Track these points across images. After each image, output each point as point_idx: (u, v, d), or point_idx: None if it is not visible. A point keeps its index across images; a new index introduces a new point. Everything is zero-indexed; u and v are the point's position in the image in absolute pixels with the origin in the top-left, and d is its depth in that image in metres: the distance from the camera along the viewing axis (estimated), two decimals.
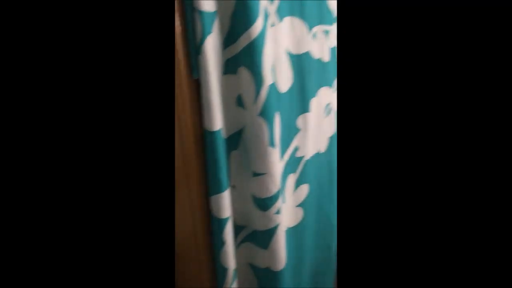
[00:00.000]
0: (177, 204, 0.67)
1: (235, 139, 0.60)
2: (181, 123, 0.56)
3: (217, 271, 0.65)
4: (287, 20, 0.62)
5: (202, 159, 0.60)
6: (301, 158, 0.76)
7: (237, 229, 0.70)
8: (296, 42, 0.65)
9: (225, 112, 0.57)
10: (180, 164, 0.60)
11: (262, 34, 0.52)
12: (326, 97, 0.78)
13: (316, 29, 0.69)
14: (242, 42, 0.51)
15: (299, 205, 0.81)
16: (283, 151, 0.70)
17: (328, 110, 0.81)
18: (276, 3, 0.57)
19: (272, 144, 0.59)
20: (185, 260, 0.73)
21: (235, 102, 0.57)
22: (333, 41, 0.76)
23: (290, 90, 0.67)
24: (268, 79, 0.55)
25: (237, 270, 0.71)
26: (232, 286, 0.68)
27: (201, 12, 0.46)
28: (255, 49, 0.52)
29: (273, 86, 0.58)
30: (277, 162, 0.62)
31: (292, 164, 0.74)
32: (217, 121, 0.53)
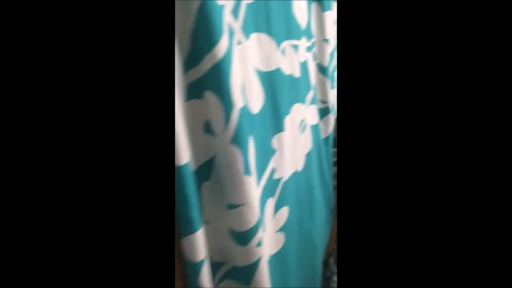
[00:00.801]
0: None
1: (206, 169, 0.54)
2: None
3: None
4: (254, 36, 0.57)
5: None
6: (279, 180, 0.71)
7: (214, 266, 0.63)
8: (265, 59, 0.61)
9: (193, 142, 0.51)
10: None
11: (228, 54, 0.46)
12: (300, 114, 0.74)
13: (285, 44, 0.66)
14: (206, 64, 0.46)
15: (279, 230, 0.76)
16: (259, 176, 0.64)
17: (302, 127, 0.77)
18: (241, 19, 0.52)
19: (247, 171, 0.54)
20: None
21: (203, 129, 0.51)
22: (302, 55, 0.73)
23: (263, 110, 0.62)
24: (238, 102, 0.50)
25: None
26: None
27: None
28: (222, 70, 0.46)
29: (244, 109, 0.53)
30: (254, 190, 0.57)
31: (270, 188, 0.69)
32: (185, 154, 0.47)
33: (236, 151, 0.51)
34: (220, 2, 0.45)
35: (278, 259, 0.76)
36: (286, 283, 0.81)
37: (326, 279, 1.21)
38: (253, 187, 0.56)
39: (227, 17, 0.48)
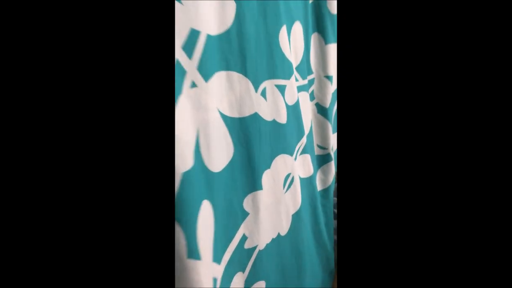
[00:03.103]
0: None
1: None
2: None
3: None
4: (219, 76, 0.45)
5: None
6: (252, 249, 0.57)
7: None
8: (236, 102, 0.49)
9: None
10: None
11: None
12: (285, 167, 0.61)
13: (266, 84, 0.53)
14: None
15: None
16: (222, 248, 0.51)
17: (288, 183, 0.63)
18: (197, 55, 0.40)
19: (194, 255, 0.40)
20: None
21: None
22: (292, 97, 0.60)
23: (230, 165, 0.49)
24: (185, 163, 0.38)
25: None
26: None
27: None
28: None
29: (195, 170, 0.40)
30: (205, 274, 0.43)
31: (239, 260, 0.55)
32: None
33: (179, 231, 0.38)
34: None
35: None
36: None
37: None
38: (203, 271, 0.43)
39: (177, 55, 0.37)
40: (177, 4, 0.37)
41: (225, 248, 0.51)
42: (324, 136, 0.76)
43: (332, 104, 0.76)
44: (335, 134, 0.79)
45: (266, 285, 0.62)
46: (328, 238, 0.86)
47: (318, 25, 0.69)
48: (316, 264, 0.80)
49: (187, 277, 0.41)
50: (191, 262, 0.40)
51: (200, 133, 0.42)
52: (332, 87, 0.74)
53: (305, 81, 0.67)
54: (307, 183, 0.70)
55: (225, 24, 0.44)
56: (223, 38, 0.44)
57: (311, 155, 0.70)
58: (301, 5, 0.63)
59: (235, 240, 0.53)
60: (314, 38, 0.70)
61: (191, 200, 0.39)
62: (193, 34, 0.39)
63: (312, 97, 0.72)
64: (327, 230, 0.84)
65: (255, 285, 0.60)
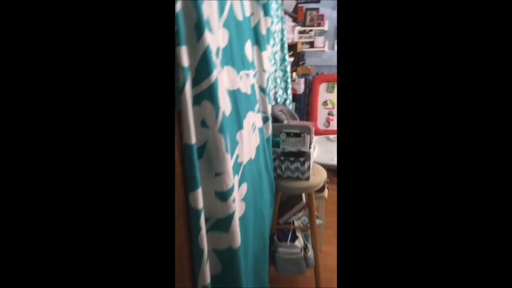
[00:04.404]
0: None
1: (200, 151, 0.85)
2: None
3: (195, 252, 0.85)
4: (225, 68, 0.92)
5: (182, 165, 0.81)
6: (241, 163, 1.05)
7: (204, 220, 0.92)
8: (231, 82, 0.96)
9: (195, 132, 0.81)
10: None
11: (216, 79, 0.80)
12: (252, 118, 1.10)
13: (242, 73, 1.02)
14: (205, 85, 0.78)
15: (242, 199, 1.08)
16: (233, 148, 0.97)
17: (253, 128, 1.13)
18: (220, 58, 0.87)
19: (227, 150, 0.86)
20: None
21: (200, 124, 0.82)
22: (251, 80, 1.10)
23: (231, 114, 0.96)
24: (222, 107, 0.83)
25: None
26: (207, 267, 0.88)
27: (183, 68, 0.71)
28: (213, 89, 0.79)
29: (223, 112, 0.86)
30: (230, 163, 0.89)
31: (236, 167, 1.02)
32: (193, 137, 0.77)
33: (221, 137, 0.84)
34: (212, 49, 0.79)
35: (242, 221, 1.07)
36: (247, 243, 1.12)
37: (271, 253, 1.55)
38: (230, 161, 0.89)
39: (214, 57, 0.82)
40: (211, 34, 0.82)
41: (231, 159, 0.97)
42: (264, 105, 1.29)
43: (266, 85, 1.29)
44: (270, 105, 1.33)
45: (247, 186, 1.10)
46: (271, 170, 1.39)
47: (256, 41, 1.21)
48: (266, 185, 1.33)
49: (226, 164, 0.86)
50: (226, 154, 0.86)
51: (222, 97, 0.88)
52: (265, 75, 1.27)
53: (254, 72, 1.17)
54: (261, 131, 1.21)
55: (225, 42, 0.91)
56: (225, 49, 0.91)
57: (260, 115, 1.22)
58: (248, 29, 1.13)
59: (234, 155, 1.00)
60: (255, 48, 1.21)
61: (224, 127, 0.85)
62: (218, 48, 0.85)
63: (257, 82, 1.24)
64: (270, 165, 1.38)
65: (242, 185, 1.07)
